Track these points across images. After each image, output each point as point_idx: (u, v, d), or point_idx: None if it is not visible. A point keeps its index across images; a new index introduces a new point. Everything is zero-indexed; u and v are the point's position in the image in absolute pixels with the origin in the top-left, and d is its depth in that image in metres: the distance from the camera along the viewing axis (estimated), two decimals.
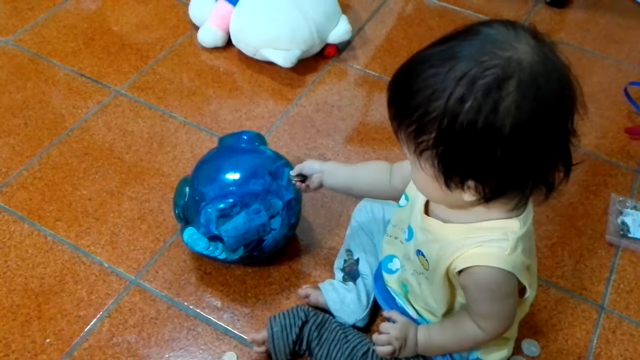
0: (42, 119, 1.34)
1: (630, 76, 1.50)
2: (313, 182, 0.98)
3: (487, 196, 0.69)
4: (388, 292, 0.98)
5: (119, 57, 1.49)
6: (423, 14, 1.68)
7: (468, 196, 0.70)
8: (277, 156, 1.08)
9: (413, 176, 0.77)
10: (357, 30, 1.60)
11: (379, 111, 1.40)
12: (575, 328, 1.05)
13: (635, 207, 1.21)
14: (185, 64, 1.49)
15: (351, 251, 1.06)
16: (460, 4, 1.70)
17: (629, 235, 1.16)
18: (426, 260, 0.83)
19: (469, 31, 0.67)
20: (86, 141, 1.30)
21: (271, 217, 1.01)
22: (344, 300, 0.99)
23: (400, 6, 1.71)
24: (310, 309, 0.98)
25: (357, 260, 1.04)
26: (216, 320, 1.03)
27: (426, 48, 0.69)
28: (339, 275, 1.04)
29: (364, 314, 0.99)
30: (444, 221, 0.79)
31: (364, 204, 1.10)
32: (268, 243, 1.02)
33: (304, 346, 0.95)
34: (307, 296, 1.02)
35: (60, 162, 1.26)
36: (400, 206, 0.92)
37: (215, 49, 1.52)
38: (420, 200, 0.84)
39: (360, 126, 1.37)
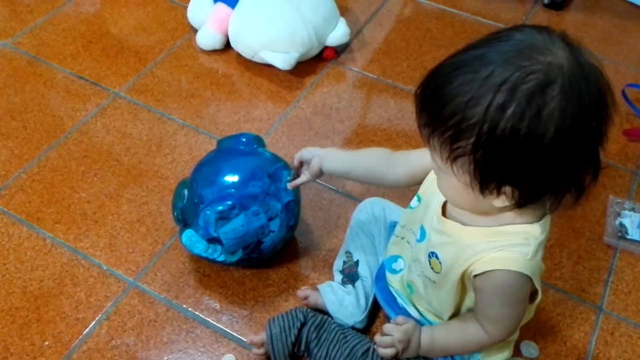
0: (40, 122, 1.34)
1: (628, 78, 1.50)
2: (312, 167, 0.96)
3: (521, 201, 0.69)
4: (389, 292, 0.98)
5: (118, 59, 1.49)
6: (421, 16, 1.68)
7: (500, 202, 0.70)
8: (276, 158, 1.08)
9: (442, 183, 0.77)
10: (356, 32, 1.61)
11: (378, 113, 1.41)
12: (574, 329, 1.05)
13: (633, 209, 1.21)
14: (184, 66, 1.49)
15: (350, 253, 1.06)
16: (459, 7, 1.71)
17: (627, 236, 1.17)
18: (439, 262, 0.82)
19: (501, 37, 0.67)
20: (85, 144, 1.30)
21: (270, 219, 1.01)
22: (342, 302, 0.99)
23: (398, 9, 1.71)
24: (309, 310, 0.98)
25: (357, 262, 1.04)
26: (215, 323, 1.03)
27: (457, 53, 0.68)
28: (337, 277, 1.04)
29: (363, 316, 0.99)
30: (463, 224, 0.79)
31: (364, 205, 1.10)
32: (267, 245, 1.02)
33: (302, 347, 0.95)
34: (306, 297, 1.02)
35: (59, 165, 1.26)
36: (411, 207, 0.92)
37: (214, 51, 1.52)
38: (437, 201, 0.83)
39: (358, 128, 1.37)
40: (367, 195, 1.20)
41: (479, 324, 0.83)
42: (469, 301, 0.85)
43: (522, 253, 0.74)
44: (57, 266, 1.09)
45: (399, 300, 0.96)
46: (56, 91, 1.41)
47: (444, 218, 0.82)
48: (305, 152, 0.97)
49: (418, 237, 0.88)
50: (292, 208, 1.04)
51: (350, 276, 1.03)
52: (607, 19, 1.70)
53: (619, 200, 1.23)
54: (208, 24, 1.50)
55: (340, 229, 1.15)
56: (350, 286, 1.01)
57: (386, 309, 0.98)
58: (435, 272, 0.84)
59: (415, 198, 0.91)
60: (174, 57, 1.51)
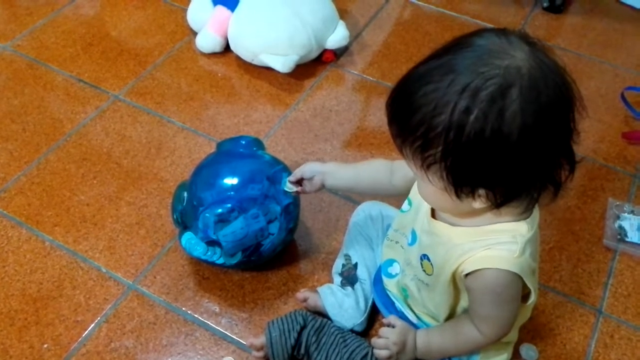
0: (40, 125, 1.34)
1: (627, 81, 1.51)
2: (314, 184, 0.98)
3: (498, 202, 0.70)
4: (387, 296, 0.98)
5: (117, 62, 1.50)
6: (420, 19, 1.68)
7: (479, 204, 0.71)
8: (275, 161, 1.08)
9: (420, 189, 0.78)
10: (355, 35, 1.61)
11: (377, 116, 1.41)
12: (573, 332, 1.05)
13: (632, 212, 1.21)
14: (184, 69, 1.49)
15: (349, 256, 1.06)
16: (458, 10, 1.71)
17: (627, 239, 1.17)
18: (431, 264, 0.83)
19: (461, 43, 0.68)
20: (84, 146, 1.30)
21: (269, 221, 1.01)
22: (342, 304, 0.99)
23: (397, 12, 1.71)
24: (308, 313, 0.98)
25: (355, 265, 1.04)
26: (214, 325, 1.03)
27: (420, 64, 0.70)
28: (337, 279, 1.04)
29: (362, 318, 0.99)
30: (452, 224, 0.80)
31: (362, 209, 1.10)
32: (266, 248, 1.02)
33: (302, 351, 0.94)
34: (305, 300, 1.02)
35: (58, 168, 1.26)
36: (403, 211, 0.92)
37: (214, 54, 1.52)
38: (426, 204, 0.84)
39: (358, 131, 1.37)
40: (367, 198, 1.20)
41: (473, 324, 0.83)
42: (464, 302, 0.85)
43: (509, 251, 0.75)
44: (56, 269, 1.09)
45: (397, 304, 0.96)
46: (55, 94, 1.41)
47: (433, 219, 0.83)
48: (307, 170, 0.98)
49: (409, 240, 0.89)
50: (292, 211, 1.04)
51: (350, 279, 1.03)
52: (605, 22, 1.70)
53: (618, 203, 1.23)
54: (208, 27, 1.50)
55: (340, 232, 1.15)
56: (349, 289, 1.01)
57: (385, 312, 0.98)
58: (427, 274, 0.85)
59: (406, 202, 0.92)
60: (174, 59, 1.51)
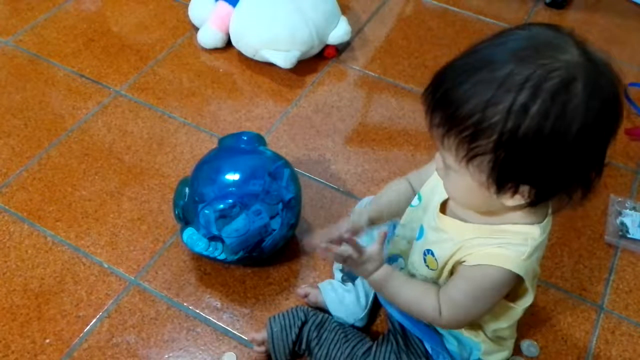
0: (41, 120, 1.34)
1: (629, 77, 1.50)
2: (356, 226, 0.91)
3: (536, 200, 0.69)
4: None
5: (119, 57, 1.49)
6: (423, 15, 1.68)
7: (514, 201, 0.70)
8: (277, 157, 1.08)
9: (450, 184, 0.75)
10: (357, 31, 1.60)
11: (379, 112, 1.40)
12: (575, 328, 1.05)
13: (634, 208, 1.21)
14: (185, 64, 1.49)
15: None
16: (460, 5, 1.71)
17: (628, 235, 1.17)
18: (435, 259, 0.82)
19: (510, 35, 0.67)
20: (86, 142, 1.30)
21: (271, 217, 1.01)
22: (342, 300, 0.99)
23: (399, 7, 1.71)
24: (309, 309, 0.98)
25: None
26: (216, 321, 1.03)
27: (465, 55, 0.68)
28: (337, 275, 1.04)
29: (363, 314, 0.99)
30: (464, 221, 0.79)
31: (363, 204, 1.10)
32: (267, 244, 1.02)
33: (303, 346, 0.95)
34: (306, 295, 1.02)
35: (60, 163, 1.26)
36: (412, 206, 0.91)
37: (215, 49, 1.52)
38: (436, 200, 0.83)
39: (359, 127, 1.37)
40: (368, 193, 1.20)
41: (437, 301, 0.80)
42: None
43: (518, 252, 0.74)
44: (58, 264, 1.09)
45: None
46: (57, 89, 1.41)
47: (442, 215, 0.82)
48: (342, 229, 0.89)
49: (417, 235, 0.88)
50: (293, 206, 1.04)
51: (350, 274, 1.03)
52: (608, 18, 1.70)
53: (620, 199, 1.22)
54: (209, 23, 1.50)
55: None
56: (350, 284, 1.01)
57: (387, 307, 0.98)
58: (430, 269, 0.84)
59: (416, 197, 0.91)
60: (175, 55, 1.51)
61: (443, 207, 0.83)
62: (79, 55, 1.49)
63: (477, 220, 0.77)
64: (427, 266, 0.84)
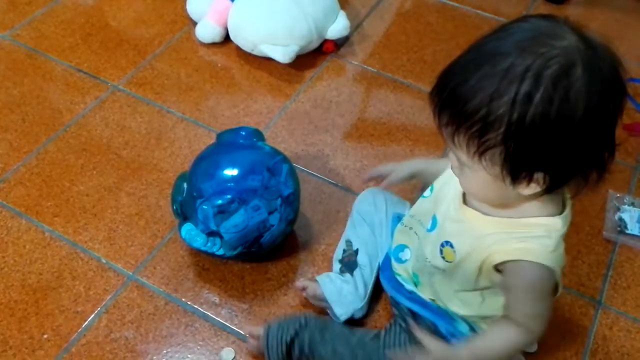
0: (39, 115, 1.34)
1: (628, 72, 1.49)
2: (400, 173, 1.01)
3: (551, 186, 0.70)
4: (396, 280, 0.98)
5: (117, 52, 1.49)
6: (422, 9, 1.67)
7: (530, 189, 0.70)
8: (275, 152, 1.08)
9: (465, 179, 0.77)
10: (356, 26, 1.60)
11: (377, 107, 1.40)
12: (573, 324, 1.05)
13: (632, 204, 1.21)
14: (183, 59, 1.48)
15: (351, 241, 1.05)
16: (459, 0, 1.70)
17: (627, 231, 1.17)
18: (454, 251, 0.82)
19: (507, 29, 0.68)
20: (84, 137, 1.30)
21: (269, 213, 1.01)
22: (341, 291, 1.00)
23: (399, 2, 1.70)
24: (310, 315, 0.97)
25: (357, 251, 1.04)
26: (214, 316, 1.03)
27: (467, 52, 0.69)
28: (336, 266, 1.04)
29: (362, 303, 1.00)
30: (484, 214, 0.79)
31: (366, 195, 1.10)
32: (266, 239, 1.02)
33: (297, 352, 0.93)
34: (304, 289, 1.02)
35: (57, 158, 1.26)
36: (424, 197, 0.92)
37: (213, 44, 1.51)
38: (453, 191, 0.83)
39: (358, 122, 1.37)
40: (366, 188, 1.20)
41: (515, 324, 0.81)
42: (471, 295, 0.85)
43: (543, 245, 0.75)
44: (56, 259, 1.09)
45: (406, 286, 0.96)
46: (55, 84, 1.41)
47: (464, 206, 0.82)
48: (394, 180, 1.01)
49: (429, 226, 0.88)
50: (292, 202, 1.04)
51: (349, 265, 1.03)
52: (607, 13, 1.70)
53: (618, 195, 1.22)
54: (207, 17, 1.49)
55: (340, 223, 1.15)
56: (348, 275, 1.02)
57: (395, 295, 0.97)
58: (447, 261, 0.84)
59: (428, 188, 0.91)
60: (173, 49, 1.50)
61: (464, 198, 0.83)
62: (76, 49, 1.49)
63: (498, 213, 0.78)
64: (443, 257, 0.84)
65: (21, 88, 1.39)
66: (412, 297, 0.94)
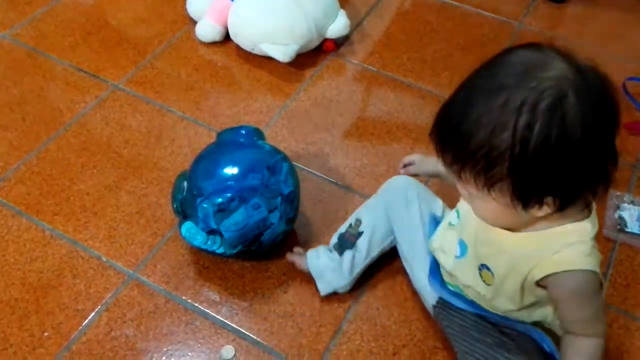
0: (39, 114, 1.34)
1: (628, 71, 1.50)
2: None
3: (562, 206, 0.71)
4: (445, 286, 0.96)
5: (117, 51, 1.49)
6: (421, 9, 1.67)
7: (543, 212, 0.72)
8: (275, 151, 1.08)
9: (478, 209, 0.78)
10: (356, 25, 1.60)
11: (377, 106, 1.40)
12: None
13: (632, 202, 1.21)
14: (183, 58, 1.48)
15: (360, 221, 1.04)
16: None
17: (627, 229, 1.17)
18: (492, 274, 0.83)
19: (496, 64, 0.70)
20: (84, 136, 1.30)
21: (269, 211, 1.01)
22: (325, 269, 1.03)
23: (398, 1, 1.70)
24: None
25: (360, 234, 1.03)
26: (214, 314, 1.03)
27: (460, 89, 0.71)
28: (333, 239, 1.06)
29: (345, 282, 1.03)
30: (513, 231, 0.79)
31: (398, 185, 1.05)
32: (266, 237, 1.02)
33: None
34: (294, 262, 1.06)
35: (58, 157, 1.26)
36: (451, 224, 0.92)
37: (213, 43, 1.51)
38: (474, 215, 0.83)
39: (358, 121, 1.37)
40: (367, 189, 1.20)
41: (582, 334, 0.81)
42: (519, 315, 0.86)
43: (579, 251, 0.75)
44: (57, 258, 1.09)
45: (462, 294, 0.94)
46: (55, 83, 1.41)
47: (492, 227, 0.81)
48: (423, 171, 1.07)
49: (458, 253, 0.89)
50: (292, 200, 1.04)
51: (345, 243, 1.03)
52: (608, 12, 1.70)
53: (618, 193, 1.23)
54: (207, 16, 1.49)
55: (339, 222, 1.14)
56: (336, 254, 1.03)
57: (455, 302, 0.94)
58: (487, 284, 0.85)
59: (454, 214, 0.91)
60: (173, 49, 1.51)
61: None
62: (76, 48, 1.49)
63: (525, 229, 0.78)
64: (484, 281, 0.85)
65: (21, 87, 1.39)
66: (472, 304, 0.92)
